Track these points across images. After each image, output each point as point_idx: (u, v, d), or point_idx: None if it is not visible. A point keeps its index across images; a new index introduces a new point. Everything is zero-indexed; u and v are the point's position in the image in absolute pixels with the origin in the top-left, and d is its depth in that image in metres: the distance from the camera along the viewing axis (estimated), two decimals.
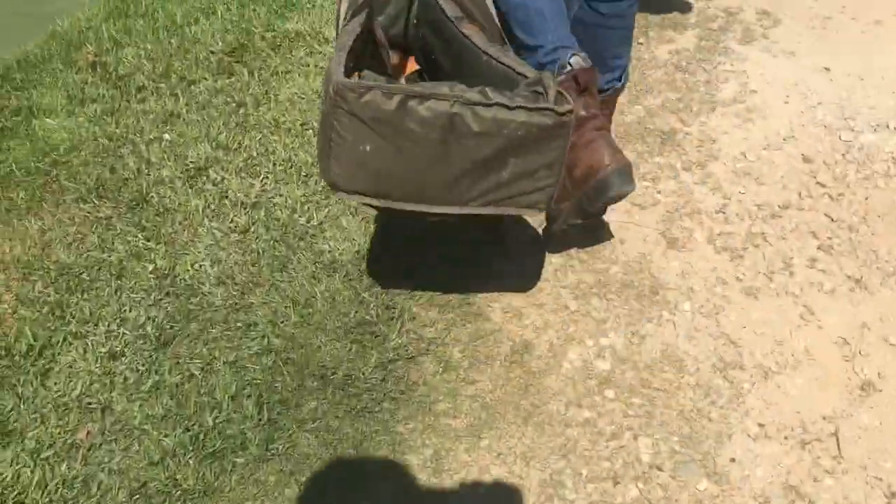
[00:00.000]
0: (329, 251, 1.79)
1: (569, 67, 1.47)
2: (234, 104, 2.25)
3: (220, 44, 2.50)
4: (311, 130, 2.14)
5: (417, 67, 1.74)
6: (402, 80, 1.70)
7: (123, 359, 1.60)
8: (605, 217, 1.86)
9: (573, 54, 1.49)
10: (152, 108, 2.25)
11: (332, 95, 1.17)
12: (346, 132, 1.19)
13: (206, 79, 2.36)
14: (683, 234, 1.83)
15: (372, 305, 1.67)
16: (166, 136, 2.17)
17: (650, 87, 2.23)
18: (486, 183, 1.24)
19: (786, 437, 1.45)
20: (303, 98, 2.26)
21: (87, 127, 2.19)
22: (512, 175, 1.24)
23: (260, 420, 1.48)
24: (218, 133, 2.14)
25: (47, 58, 2.49)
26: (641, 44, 2.38)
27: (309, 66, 2.39)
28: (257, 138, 2.12)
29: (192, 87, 2.33)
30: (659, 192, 1.93)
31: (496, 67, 1.35)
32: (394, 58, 1.69)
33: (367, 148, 1.20)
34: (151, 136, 2.16)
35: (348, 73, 1.21)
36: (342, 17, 1.47)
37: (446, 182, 1.24)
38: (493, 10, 1.51)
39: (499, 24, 1.50)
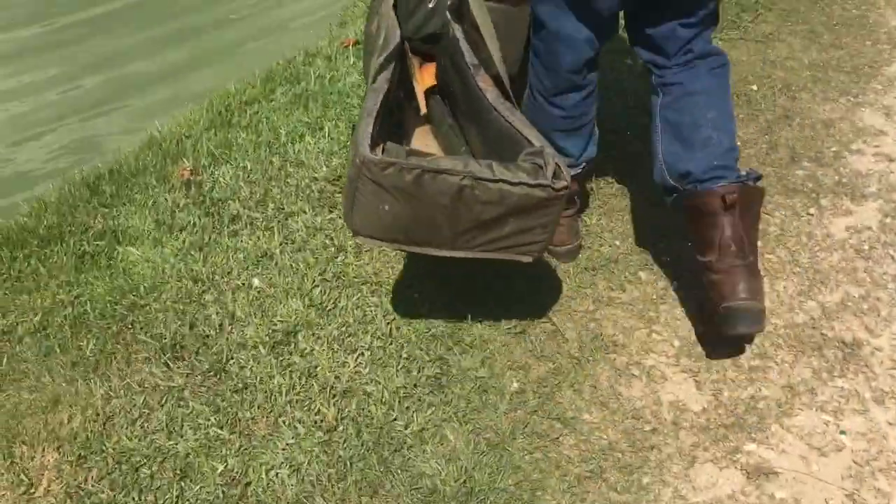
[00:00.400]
0: (430, 475, 1.48)
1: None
2: (332, 248, 2.00)
3: (324, 168, 2.26)
4: (417, 294, 1.85)
5: (434, 83, 1.90)
6: (419, 90, 1.89)
7: None
8: (776, 462, 1.49)
9: (575, 168, 1.77)
10: (244, 244, 2.02)
11: (359, 165, 1.35)
12: (368, 194, 1.38)
13: (304, 212, 2.12)
14: (879, 501, 1.43)
15: None
16: (256, 281, 1.92)
17: (825, 277, 1.85)
18: (488, 236, 1.43)
19: None
20: None
21: (172, 262, 1.98)
22: (511, 231, 1.43)
23: None
24: (312, 286, 1.89)
25: (141, 170, 2.32)
26: (812, 215, 2.01)
27: None
28: (355, 298, 1.85)
29: (290, 220, 2.09)
30: (843, 433, 1.54)
31: (504, 125, 1.51)
32: (415, 62, 1.91)
33: (386, 207, 1.39)
34: (240, 281, 1.92)
35: (374, 141, 1.38)
36: (373, 55, 1.64)
37: (452, 234, 1.43)
38: (500, 62, 1.63)
39: (506, 76, 1.61)
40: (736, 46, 2.64)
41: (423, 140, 1.88)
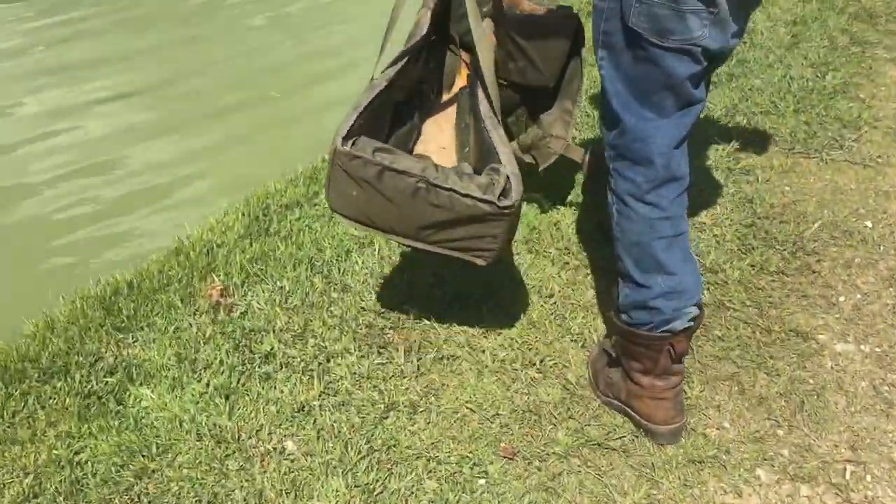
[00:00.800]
0: None
1: (669, 331, 1.50)
2: (381, 405, 1.68)
3: (373, 296, 1.97)
4: (484, 480, 1.53)
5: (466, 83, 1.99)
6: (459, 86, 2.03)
7: None
8: None
9: (681, 315, 1.49)
10: (278, 392, 1.72)
11: (332, 152, 1.50)
12: (340, 179, 1.52)
13: (349, 352, 1.81)
14: None
15: None
16: (290, 445, 1.61)
17: None
18: (442, 235, 1.52)
19: None
20: (473, 411, 1.67)
21: (192, 413, 1.67)
22: (463, 235, 1.51)
23: None
24: (357, 457, 1.57)
25: (164, 284, 2.03)
26: None
27: (484, 351, 1.80)
28: (407, 479, 1.53)
29: (332, 363, 1.79)
30: None
31: (486, 138, 1.59)
32: (464, 56, 2.03)
33: (354, 193, 1.52)
34: (271, 444, 1.61)
35: (352, 133, 1.51)
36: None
37: (412, 227, 1.53)
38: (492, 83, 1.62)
39: (496, 97, 1.63)
40: (841, 170, 2.34)
41: (438, 131, 1.95)
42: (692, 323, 1.51)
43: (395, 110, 1.78)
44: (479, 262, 1.55)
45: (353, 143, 1.50)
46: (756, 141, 2.46)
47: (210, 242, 2.17)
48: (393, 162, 1.48)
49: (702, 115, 2.56)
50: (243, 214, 2.29)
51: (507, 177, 1.45)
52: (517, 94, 2.08)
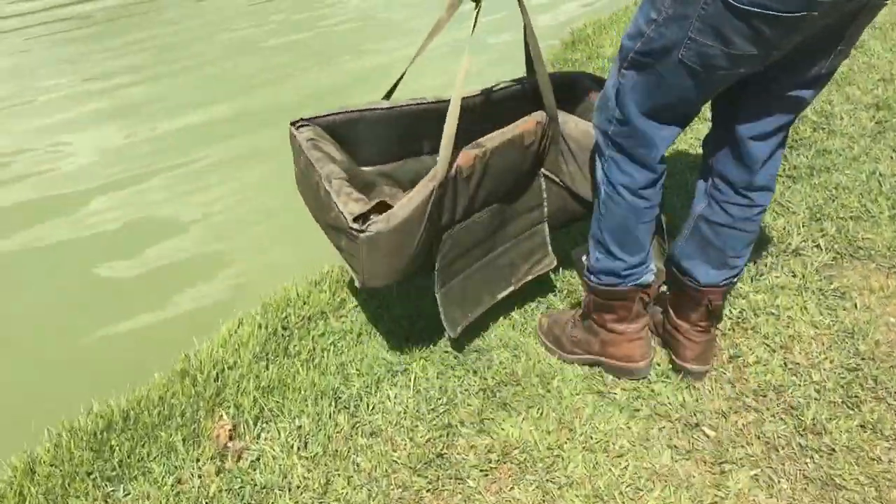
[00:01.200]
0: None
1: (641, 285, 1.68)
2: None
3: (408, 443, 1.67)
4: None
5: None
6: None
7: None
8: None
9: (649, 272, 1.69)
10: None
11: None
12: (293, 153, 1.70)
13: None
14: None
15: None
16: None
17: None
18: (336, 240, 1.59)
19: None
20: None
21: None
22: (345, 247, 1.56)
23: None
24: None
25: (165, 418, 1.75)
26: None
27: None
28: None
29: None
30: None
31: None
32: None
33: (296, 168, 1.69)
34: None
35: (309, 121, 1.69)
36: None
37: (323, 221, 1.62)
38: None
39: (444, 160, 1.55)
40: None
41: None
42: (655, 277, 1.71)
43: (414, 148, 1.87)
44: (357, 282, 1.59)
45: (300, 126, 1.65)
46: (849, 254, 2.14)
47: (221, 363, 1.89)
48: (311, 154, 1.59)
49: (784, 218, 2.28)
50: (260, 326, 2.00)
51: (374, 208, 1.50)
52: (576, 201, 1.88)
